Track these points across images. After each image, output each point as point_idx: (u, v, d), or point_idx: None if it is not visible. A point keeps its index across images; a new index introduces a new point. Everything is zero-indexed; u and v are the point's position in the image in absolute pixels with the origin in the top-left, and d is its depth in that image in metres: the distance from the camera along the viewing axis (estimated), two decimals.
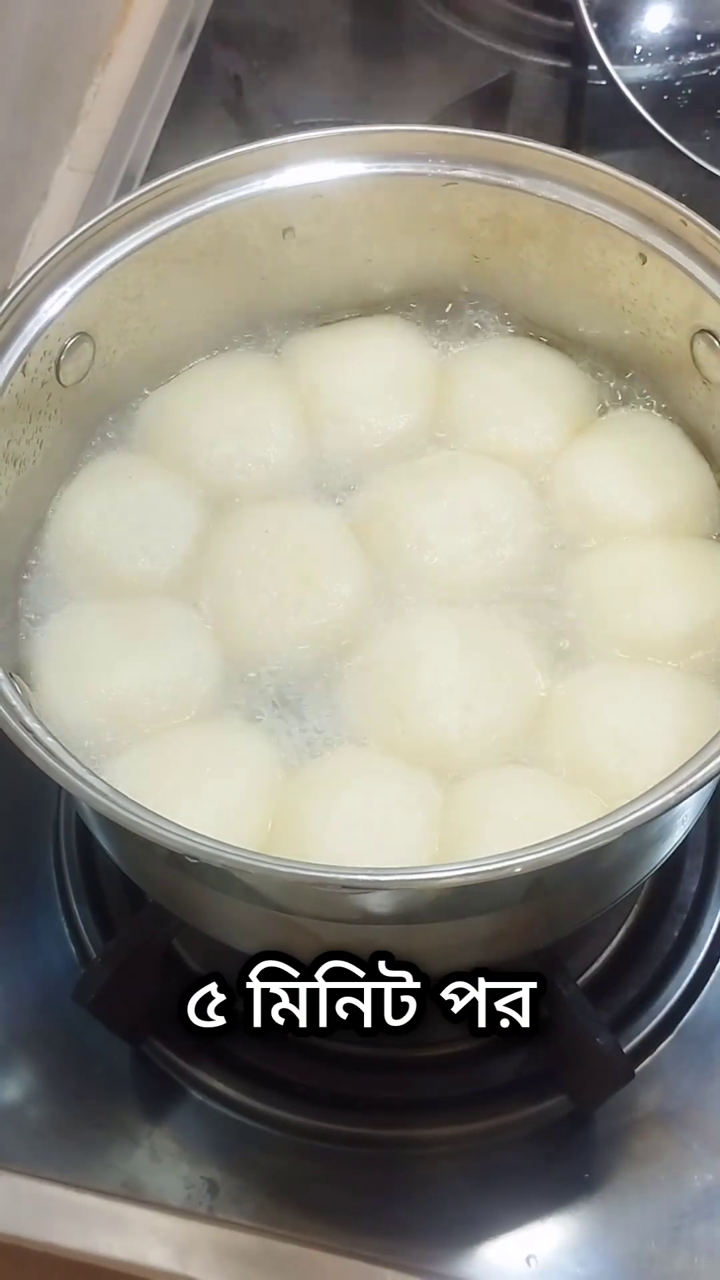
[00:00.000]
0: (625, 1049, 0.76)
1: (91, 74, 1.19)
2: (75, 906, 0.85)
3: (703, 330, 0.73)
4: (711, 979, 0.81)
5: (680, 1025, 0.81)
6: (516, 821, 0.65)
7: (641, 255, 0.74)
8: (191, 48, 1.20)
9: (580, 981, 0.80)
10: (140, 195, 0.73)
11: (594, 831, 0.56)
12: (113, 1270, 0.76)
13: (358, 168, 0.76)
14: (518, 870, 0.56)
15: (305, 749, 0.72)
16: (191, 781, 0.68)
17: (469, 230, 0.79)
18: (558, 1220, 0.75)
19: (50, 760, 0.59)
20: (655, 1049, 0.80)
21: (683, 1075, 0.79)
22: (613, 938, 0.83)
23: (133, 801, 0.58)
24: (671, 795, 0.57)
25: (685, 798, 0.57)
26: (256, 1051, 0.80)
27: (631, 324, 0.78)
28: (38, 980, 0.83)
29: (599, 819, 0.57)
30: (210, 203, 0.75)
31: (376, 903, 0.60)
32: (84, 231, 0.72)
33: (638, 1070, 0.77)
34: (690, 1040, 0.80)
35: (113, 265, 0.73)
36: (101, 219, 0.72)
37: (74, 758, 0.60)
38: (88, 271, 0.73)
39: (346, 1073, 0.80)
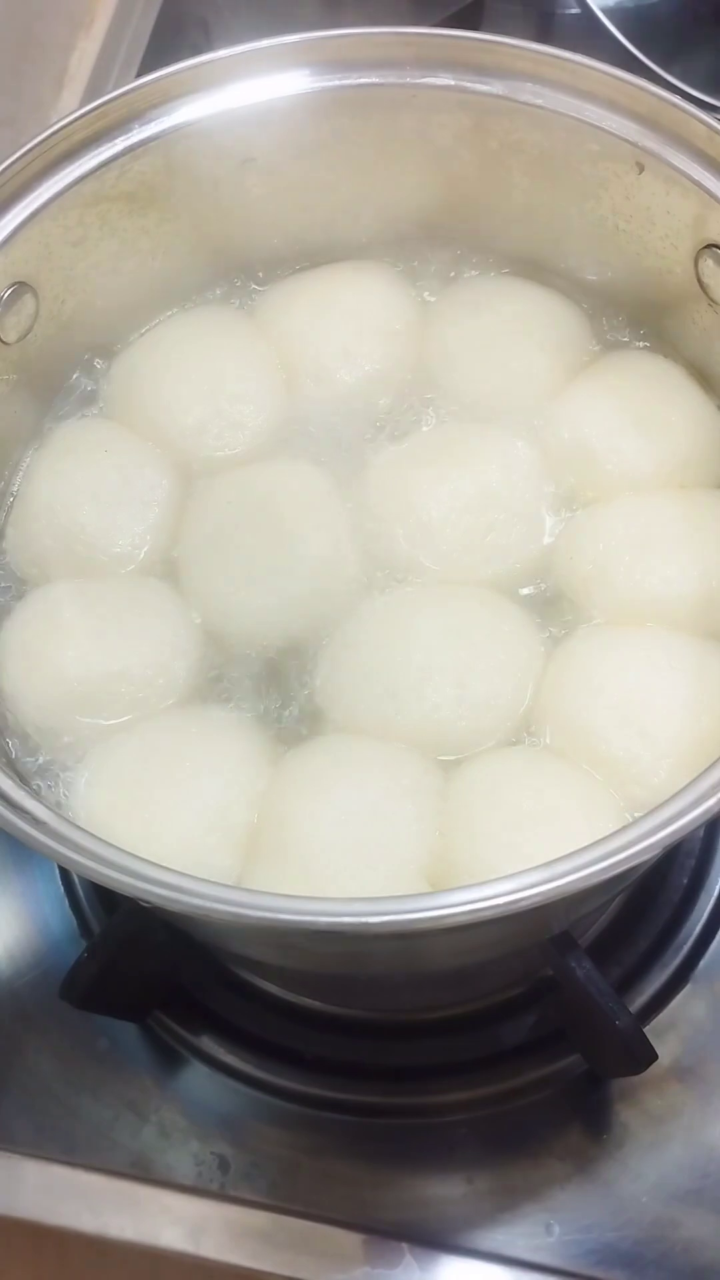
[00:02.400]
0: (635, 1005, 0.61)
1: (75, 38, 1.00)
2: (75, 879, 0.68)
3: (709, 245, 0.53)
4: None
5: (694, 975, 0.64)
6: (522, 813, 0.50)
7: (639, 164, 0.54)
8: None
9: (585, 939, 0.62)
10: (69, 123, 0.53)
11: (616, 856, 0.39)
12: (124, 1251, 0.60)
13: (313, 82, 0.55)
14: (535, 900, 0.38)
15: (292, 733, 0.55)
16: (173, 777, 0.54)
17: (444, 149, 0.60)
18: (577, 1186, 0.62)
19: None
20: (668, 1003, 0.64)
21: (698, 1028, 0.63)
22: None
23: (91, 840, 0.41)
24: (699, 813, 0.38)
25: (711, 815, 0.39)
26: (261, 1021, 0.63)
27: (627, 245, 0.59)
28: (39, 956, 0.66)
29: (620, 841, 0.39)
30: (152, 129, 0.55)
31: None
32: (7, 168, 0.51)
33: (649, 1026, 0.60)
34: (704, 991, 0.64)
35: (47, 204, 0.55)
36: (27, 151, 0.51)
37: (33, 797, 0.42)
38: (18, 212, 0.53)
39: (354, 1039, 0.64)
